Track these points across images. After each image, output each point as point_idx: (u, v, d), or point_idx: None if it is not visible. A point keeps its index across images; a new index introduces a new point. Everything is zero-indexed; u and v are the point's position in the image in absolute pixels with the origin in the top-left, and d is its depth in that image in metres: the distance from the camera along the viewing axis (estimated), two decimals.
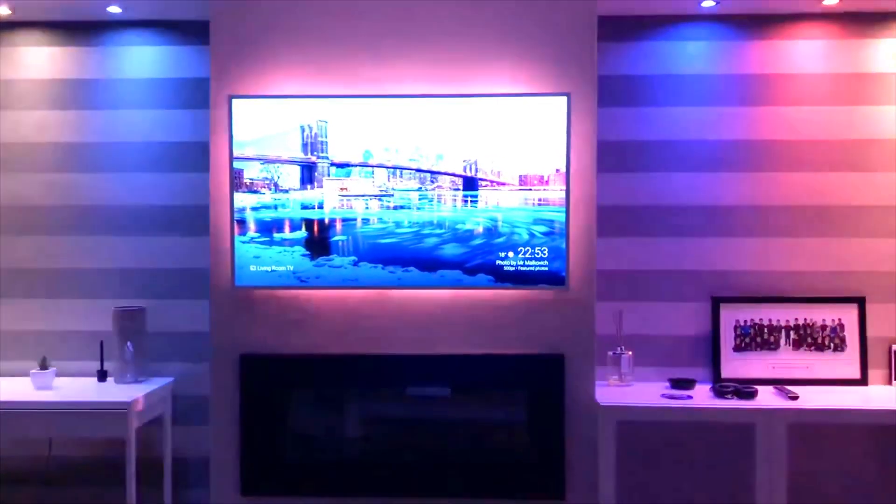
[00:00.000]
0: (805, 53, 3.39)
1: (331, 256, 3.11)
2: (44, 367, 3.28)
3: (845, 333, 3.36)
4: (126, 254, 3.49)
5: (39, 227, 3.51)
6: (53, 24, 3.49)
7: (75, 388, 3.28)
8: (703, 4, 3.28)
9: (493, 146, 3.08)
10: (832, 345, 3.36)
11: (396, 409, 3.32)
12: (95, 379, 3.39)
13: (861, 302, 3.36)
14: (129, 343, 3.31)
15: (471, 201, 3.09)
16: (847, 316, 3.36)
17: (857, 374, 3.34)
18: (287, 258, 3.11)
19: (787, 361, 3.36)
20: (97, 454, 3.48)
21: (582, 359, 3.12)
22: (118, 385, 3.31)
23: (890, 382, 3.35)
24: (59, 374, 3.35)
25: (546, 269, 3.07)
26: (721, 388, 3.16)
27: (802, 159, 3.39)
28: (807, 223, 3.39)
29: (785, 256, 3.39)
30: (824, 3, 3.25)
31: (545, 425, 3.13)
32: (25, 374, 3.33)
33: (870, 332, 3.36)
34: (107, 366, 3.39)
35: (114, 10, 3.34)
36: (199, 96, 3.40)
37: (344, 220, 3.12)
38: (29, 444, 3.48)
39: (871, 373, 3.35)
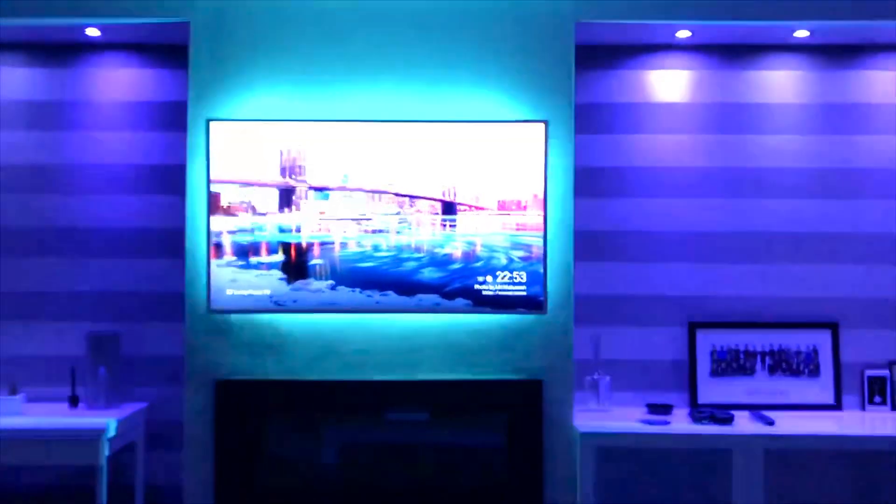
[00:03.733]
0: (778, 84, 3.46)
1: (308, 280, 3.09)
2: (13, 392, 3.22)
3: (819, 359, 3.39)
4: (100, 277, 3.45)
5: (11, 249, 3.45)
6: (31, 45, 3.46)
7: (45, 414, 3.21)
8: (679, 35, 3.34)
9: (471, 171, 3.09)
10: (807, 370, 3.40)
11: (374, 435, 3.29)
12: (67, 405, 3.32)
13: (834, 327, 3.39)
14: (101, 368, 3.25)
15: (449, 225, 3.10)
16: (821, 341, 3.40)
17: (831, 400, 3.37)
18: (264, 282, 3.09)
19: (763, 387, 3.39)
20: (68, 482, 3.40)
21: (560, 384, 3.12)
22: (90, 411, 3.25)
23: (863, 408, 3.38)
24: (29, 400, 3.28)
25: (524, 293, 3.08)
26: (698, 413, 3.17)
27: (777, 187, 3.44)
28: (781, 250, 3.43)
29: (760, 282, 3.43)
30: (795, 35, 3.32)
31: (524, 451, 3.11)
32: None
33: (843, 358, 3.40)
34: (79, 391, 3.33)
35: (92, 32, 3.32)
36: (176, 119, 3.38)
37: (322, 243, 3.11)
38: None
39: (845, 398, 3.39)
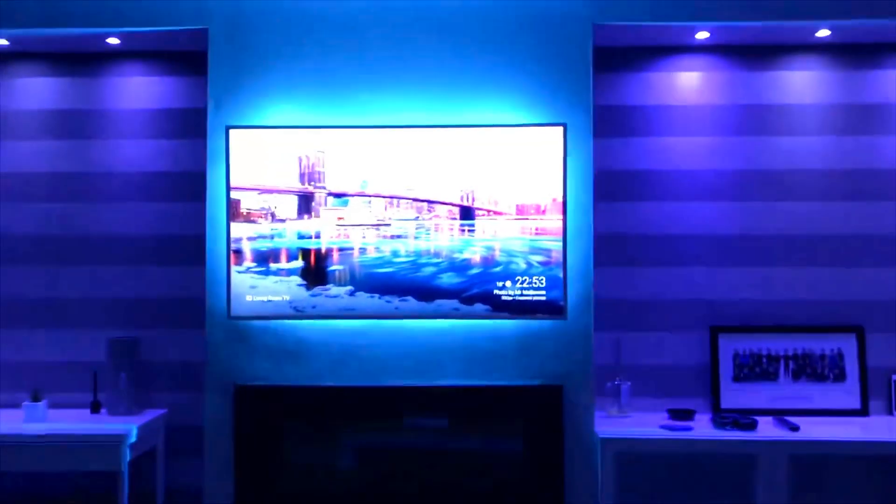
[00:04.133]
0: (800, 84, 3.41)
1: (327, 286, 3.09)
2: (36, 399, 3.25)
3: (845, 363, 3.34)
4: (121, 284, 3.47)
5: (34, 257, 3.49)
6: (52, 54, 3.50)
7: (67, 420, 3.23)
8: (698, 36, 3.31)
9: (490, 176, 3.08)
10: (832, 375, 3.34)
11: (393, 441, 3.28)
12: (88, 411, 3.35)
13: (860, 331, 3.34)
14: (122, 374, 3.27)
15: (468, 230, 3.09)
16: (846, 345, 3.35)
17: (857, 405, 3.32)
18: (283, 288, 3.09)
19: (786, 392, 3.34)
20: (90, 487, 3.42)
21: (580, 389, 3.09)
22: (112, 417, 3.27)
23: (891, 413, 3.32)
24: (51, 406, 3.30)
25: (544, 298, 3.06)
26: (721, 418, 3.13)
27: (800, 189, 3.40)
28: (804, 252, 3.39)
29: (783, 286, 3.38)
30: (817, 34, 3.28)
31: (544, 456, 3.09)
32: (18, 406, 3.29)
33: (870, 362, 3.34)
34: (100, 397, 3.35)
35: (113, 41, 3.35)
36: (196, 126, 3.40)
37: (341, 249, 3.11)
38: (21, 477, 3.42)
39: (872, 403, 3.33)
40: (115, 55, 3.50)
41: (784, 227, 3.39)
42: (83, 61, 3.51)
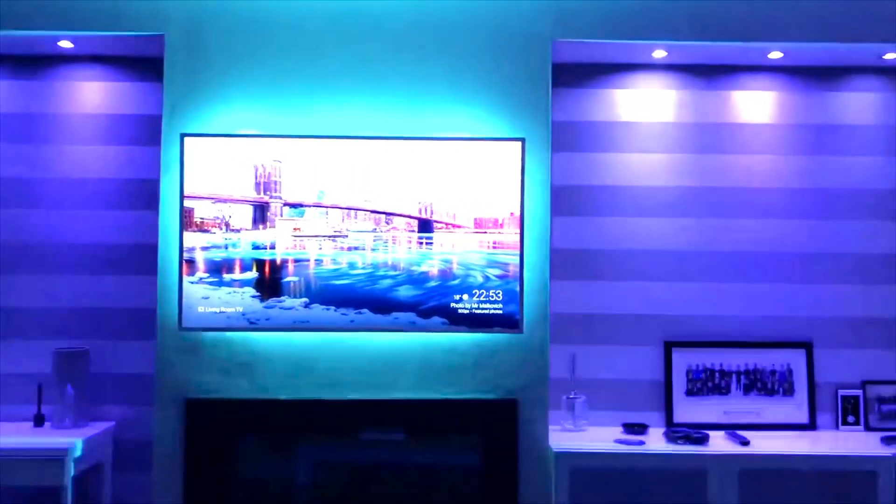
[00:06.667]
0: (754, 104, 3.49)
1: (282, 298, 3.06)
2: None
3: (794, 378, 3.41)
4: (70, 293, 3.38)
5: None
6: (1, 57, 3.40)
7: (9, 433, 3.13)
8: (655, 55, 3.36)
9: (448, 189, 3.08)
10: (781, 389, 3.41)
11: (349, 455, 3.25)
12: (32, 424, 3.24)
13: (808, 347, 3.41)
14: (69, 386, 3.18)
15: (426, 243, 3.08)
16: (795, 361, 3.41)
17: (805, 419, 3.38)
18: (236, 299, 3.05)
19: (738, 406, 3.39)
20: (32, 503, 3.31)
21: (535, 403, 3.10)
22: (56, 430, 3.17)
23: (837, 427, 3.39)
24: None
25: (500, 312, 3.06)
26: (673, 433, 3.16)
27: (752, 206, 3.46)
28: (757, 269, 3.45)
29: (736, 301, 3.44)
30: (769, 56, 3.36)
31: (499, 470, 3.08)
32: None
33: (817, 377, 3.41)
34: (45, 410, 3.25)
35: (65, 44, 3.28)
36: (150, 133, 3.34)
37: (296, 260, 3.08)
38: None
39: (820, 417, 3.40)
40: (68, 59, 3.41)
41: (737, 244, 3.45)
42: (34, 64, 3.42)
